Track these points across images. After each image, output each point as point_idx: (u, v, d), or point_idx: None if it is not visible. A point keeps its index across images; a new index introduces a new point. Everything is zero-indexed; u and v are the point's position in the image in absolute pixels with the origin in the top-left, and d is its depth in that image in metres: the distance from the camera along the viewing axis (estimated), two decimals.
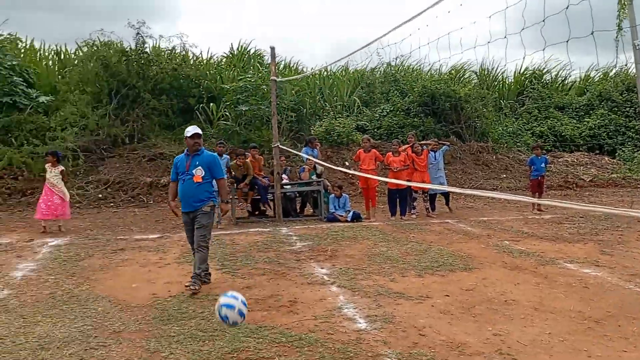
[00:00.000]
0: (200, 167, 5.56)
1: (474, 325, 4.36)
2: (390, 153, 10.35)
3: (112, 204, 11.83)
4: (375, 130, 16.10)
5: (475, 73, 20.63)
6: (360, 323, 4.40)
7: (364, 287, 5.44)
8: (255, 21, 37.45)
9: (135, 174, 12.78)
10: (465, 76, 20.40)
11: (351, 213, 9.79)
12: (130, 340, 4.07)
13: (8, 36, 14.09)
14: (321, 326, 4.33)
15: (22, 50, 14.96)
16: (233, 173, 9.80)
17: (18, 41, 14.62)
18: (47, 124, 12.89)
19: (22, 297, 5.17)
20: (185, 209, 5.61)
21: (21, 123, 12.70)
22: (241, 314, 3.85)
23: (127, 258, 6.88)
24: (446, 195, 11.02)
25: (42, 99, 13.30)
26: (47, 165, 8.98)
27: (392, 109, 16.59)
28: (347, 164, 13.93)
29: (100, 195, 12.09)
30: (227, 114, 14.69)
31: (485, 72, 20.67)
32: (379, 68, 19.08)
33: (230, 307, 3.83)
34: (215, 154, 6.01)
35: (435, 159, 10.61)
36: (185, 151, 5.70)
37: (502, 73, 20.80)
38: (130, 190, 12.36)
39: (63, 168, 9.08)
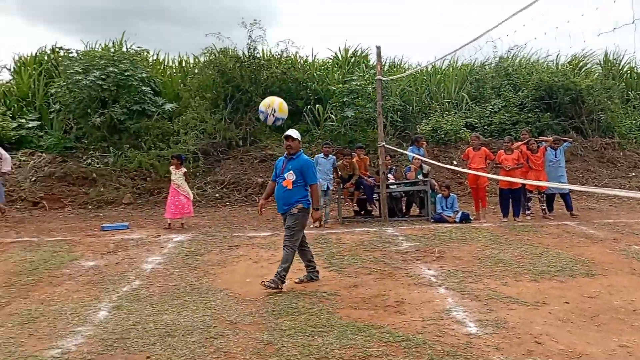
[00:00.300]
0: (292, 172, 5.59)
1: (597, 335, 4.05)
2: (502, 151, 9.89)
3: (227, 203, 12.58)
4: (486, 127, 15.44)
5: (599, 63, 18.97)
6: (470, 327, 4.28)
7: (474, 290, 5.27)
8: (359, 21, 37.61)
9: (248, 175, 13.47)
10: (587, 66, 18.83)
11: (460, 214, 9.50)
12: (245, 331, 4.33)
13: (138, 49, 15.57)
14: (429, 328, 4.27)
15: (150, 62, 16.41)
16: (339, 173, 9.97)
17: (146, 53, 16.09)
18: (171, 129, 14.03)
19: (151, 288, 5.68)
20: (279, 210, 5.77)
21: (149, 128, 13.95)
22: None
23: (241, 254, 7.29)
24: (567, 198, 10.06)
25: (167, 106, 14.51)
26: (171, 168, 9.78)
27: (504, 104, 15.81)
28: (455, 162, 13.53)
29: (217, 195, 12.91)
30: (333, 115, 14.94)
31: (611, 62, 18.91)
32: (490, 62, 18.29)
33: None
34: (311, 159, 5.87)
35: (555, 157, 9.92)
36: (285, 153, 5.82)
37: (630, 62, 18.92)
38: (243, 190, 13.05)
39: (185, 170, 9.85)
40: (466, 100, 16.58)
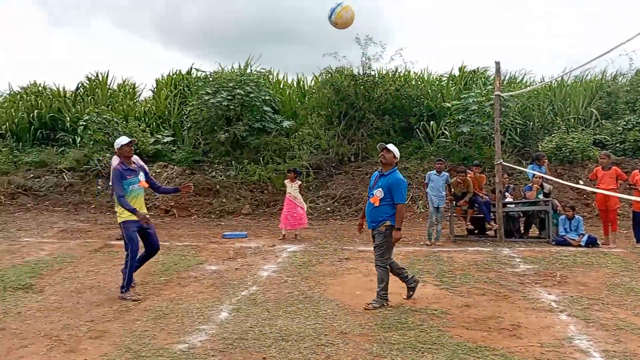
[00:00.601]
0: (380, 189, 5.52)
1: None
2: (638, 171, 9.03)
3: (338, 217, 12.83)
4: (618, 145, 14.15)
5: None
6: (594, 357, 3.98)
7: (600, 318, 4.88)
8: (477, 36, 36.58)
9: (359, 190, 13.64)
10: None
11: (585, 237, 8.81)
12: (355, 342, 4.42)
13: (262, 71, 16.58)
14: (548, 355, 4.05)
15: (271, 82, 17.38)
16: (452, 190, 9.76)
17: (268, 74, 17.07)
18: (288, 145, 14.70)
19: (267, 294, 5.99)
20: (368, 226, 5.76)
21: (268, 144, 14.73)
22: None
23: (351, 267, 7.41)
24: None
25: (285, 123, 15.23)
26: (286, 181, 10.23)
27: (639, 120, 14.40)
28: (581, 182, 12.56)
29: (328, 209, 13.23)
30: (447, 132, 14.66)
31: None
32: (625, 75, 16.78)
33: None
34: (401, 177, 5.59)
35: None
36: (380, 169, 5.76)
37: None
38: (354, 204, 13.24)
39: (300, 182, 10.26)
40: (595, 116, 15.35)
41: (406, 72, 16.39)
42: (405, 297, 5.74)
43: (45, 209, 13.56)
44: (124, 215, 5.93)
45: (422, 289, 6.13)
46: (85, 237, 10.08)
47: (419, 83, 16.42)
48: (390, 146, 5.64)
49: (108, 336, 4.66)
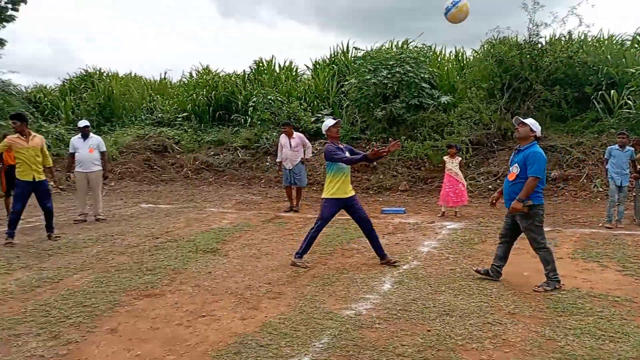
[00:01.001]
0: (516, 164, 5.21)
1: None
2: None
3: None
4: None
5: None
6: None
7: None
8: None
9: None
10: None
11: None
12: (524, 323, 4.26)
13: (422, 46, 16.27)
14: None
15: (429, 58, 17.00)
16: (638, 167, 8.67)
17: (427, 49, 16.71)
18: (446, 120, 14.30)
19: (428, 269, 6.02)
20: (505, 204, 5.43)
21: (425, 120, 14.51)
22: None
23: (518, 247, 6.92)
24: None
25: (443, 99, 14.84)
26: (445, 157, 10.03)
27: None
28: None
29: (489, 186, 12.65)
30: (631, 101, 12.95)
31: None
32: None
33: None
34: (538, 151, 5.14)
35: None
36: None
37: None
38: None
39: (461, 158, 10.00)
40: None
41: (581, 36, 14.77)
42: (474, 269, 5.75)
43: (223, 183, 15.17)
44: (328, 192, 6.30)
45: (601, 274, 5.65)
46: (258, 208, 11.07)
47: (597, 48, 14.70)
48: (528, 120, 5.33)
49: (283, 298, 5.12)
